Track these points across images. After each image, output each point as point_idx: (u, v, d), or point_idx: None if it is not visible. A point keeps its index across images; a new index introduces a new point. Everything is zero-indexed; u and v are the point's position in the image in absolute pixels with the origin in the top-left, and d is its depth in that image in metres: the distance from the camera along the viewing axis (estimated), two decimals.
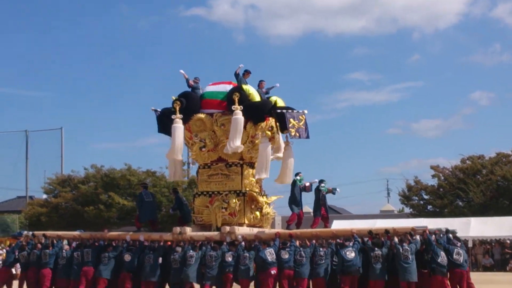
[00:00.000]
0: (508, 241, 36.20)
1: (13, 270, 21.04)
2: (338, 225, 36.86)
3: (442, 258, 17.10)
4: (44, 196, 49.43)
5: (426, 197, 46.71)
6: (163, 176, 44.94)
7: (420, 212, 45.38)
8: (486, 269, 35.46)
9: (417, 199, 47.15)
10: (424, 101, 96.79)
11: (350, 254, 17.38)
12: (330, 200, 21.72)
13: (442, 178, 45.95)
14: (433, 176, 46.48)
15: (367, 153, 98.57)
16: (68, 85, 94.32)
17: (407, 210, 49.48)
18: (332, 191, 21.14)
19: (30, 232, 22.01)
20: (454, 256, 17.27)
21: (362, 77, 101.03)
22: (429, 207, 46.17)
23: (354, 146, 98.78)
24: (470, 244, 35.23)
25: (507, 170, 43.63)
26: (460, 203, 44.77)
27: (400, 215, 51.38)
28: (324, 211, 20.74)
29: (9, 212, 54.85)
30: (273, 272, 17.81)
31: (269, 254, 17.98)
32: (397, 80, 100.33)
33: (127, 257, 19.26)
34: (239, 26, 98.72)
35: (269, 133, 20.68)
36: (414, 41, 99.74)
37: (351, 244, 17.68)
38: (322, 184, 20.77)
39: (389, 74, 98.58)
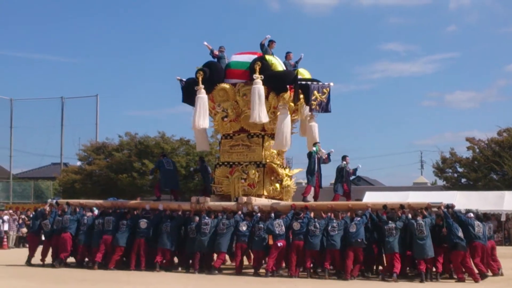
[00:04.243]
0: None
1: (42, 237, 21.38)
2: (370, 196, 36.72)
3: (461, 232, 16.84)
4: (79, 163, 49.90)
5: (460, 169, 46.11)
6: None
7: (453, 185, 44.81)
8: None
9: (451, 172, 46.55)
10: (459, 72, 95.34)
11: (352, 228, 17.27)
12: (363, 171, 21.28)
13: (477, 150, 45.26)
14: (468, 148, 45.79)
15: (400, 124, 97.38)
16: (104, 52, 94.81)
17: (440, 182, 48.94)
18: (354, 172, 20.77)
19: (54, 200, 22.12)
20: (476, 229, 17.09)
21: (398, 47, 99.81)
22: (463, 180, 45.59)
23: (388, 118, 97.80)
24: (503, 218, 34.78)
25: None
26: (495, 177, 44.10)
27: (433, 187, 50.85)
28: (346, 188, 20.36)
29: (44, 178, 55.33)
30: (279, 244, 17.74)
31: (277, 225, 17.88)
32: (432, 51, 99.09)
33: (143, 224, 19.35)
34: None
35: (292, 104, 20.47)
36: (451, 11, 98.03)
37: (358, 218, 17.56)
38: (344, 162, 20.40)
39: (424, 45, 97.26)
